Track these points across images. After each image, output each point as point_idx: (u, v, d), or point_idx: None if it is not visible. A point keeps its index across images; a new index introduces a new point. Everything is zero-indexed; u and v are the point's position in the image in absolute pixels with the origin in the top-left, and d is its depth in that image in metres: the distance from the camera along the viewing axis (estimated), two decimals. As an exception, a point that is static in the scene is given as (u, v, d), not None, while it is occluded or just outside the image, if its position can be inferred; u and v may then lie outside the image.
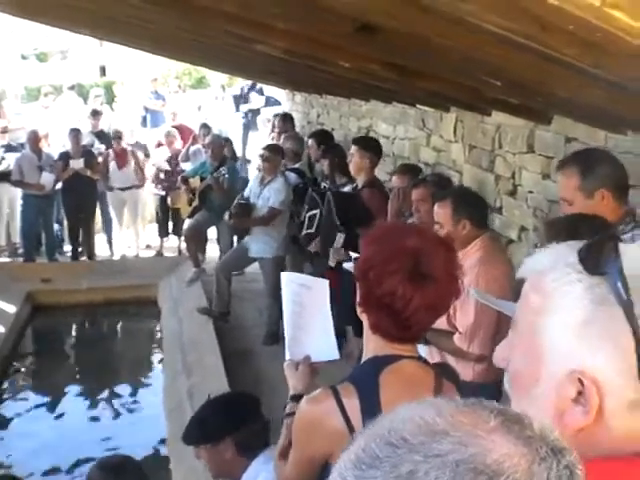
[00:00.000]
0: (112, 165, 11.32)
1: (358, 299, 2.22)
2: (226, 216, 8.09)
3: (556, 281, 1.16)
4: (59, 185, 11.11)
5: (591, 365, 1.11)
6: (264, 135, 12.02)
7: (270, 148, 8.35)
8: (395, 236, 2.22)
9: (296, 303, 2.67)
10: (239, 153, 12.05)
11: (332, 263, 6.37)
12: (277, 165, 8.15)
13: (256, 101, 15.29)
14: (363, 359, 2.28)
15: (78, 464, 6.21)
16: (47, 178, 10.87)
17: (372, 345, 2.25)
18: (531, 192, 5.32)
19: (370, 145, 7.03)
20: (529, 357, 1.20)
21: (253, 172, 11.10)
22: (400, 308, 2.12)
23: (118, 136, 11.54)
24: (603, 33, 2.23)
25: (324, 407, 2.16)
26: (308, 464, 2.25)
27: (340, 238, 6.32)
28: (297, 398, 2.50)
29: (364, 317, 2.23)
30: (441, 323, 4.30)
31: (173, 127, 12.38)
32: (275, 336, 7.96)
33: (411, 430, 0.88)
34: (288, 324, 2.71)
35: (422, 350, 4.52)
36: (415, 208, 5.32)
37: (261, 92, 15.67)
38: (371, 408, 2.09)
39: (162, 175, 11.54)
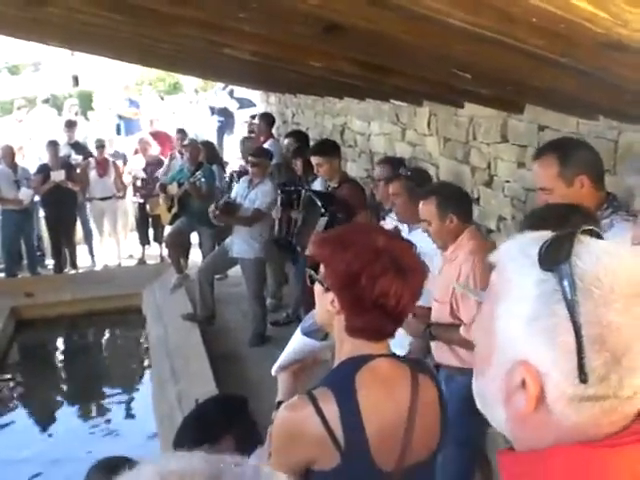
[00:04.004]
0: (92, 174, 11.30)
1: (338, 305, 2.20)
2: (212, 207, 8.04)
3: (513, 271, 1.19)
4: (37, 198, 11.07)
5: (534, 357, 1.14)
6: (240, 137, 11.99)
7: (257, 152, 8.35)
8: (363, 237, 2.21)
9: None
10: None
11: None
12: (265, 168, 8.15)
13: (228, 103, 15.32)
14: (337, 362, 2.27)
15: (68, 475, 6.19)
16: (25, 193, 10.82)
17: (347, 347, 2.24)
18: (507, 181, 5.36)
19: (329, 148, 7.20)
20: (486, 340, 1.23)
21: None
22: (393, 306, 2.14)
23: (101, 145, 11.52)
24: (567, 24, 2.26)
25: (303, 414, 2.14)
26: (290, 471, 2.25)
27: (322, 222, 6.35)
28: (280, 405, 2.52)
29: (341, 320, 2.22)
30: (443, 317, 4.34)
31: (150, 134, 12.35)
32: (262, 336, 7.98)
33: None
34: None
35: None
36: (391, 202, 5.36)
37: (231, 94, 15.68)
38: (349, 411, 2.11)
39: (139, 183, 11.53)
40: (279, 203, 7.25)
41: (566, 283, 1.11)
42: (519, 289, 1.17)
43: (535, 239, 1.20)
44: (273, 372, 2.63)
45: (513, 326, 1.17)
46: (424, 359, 4.55)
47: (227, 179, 10.13)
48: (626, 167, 3.95)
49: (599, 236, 1.22)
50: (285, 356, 2.56)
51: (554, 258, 1.14)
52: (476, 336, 1.29)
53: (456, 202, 4.46)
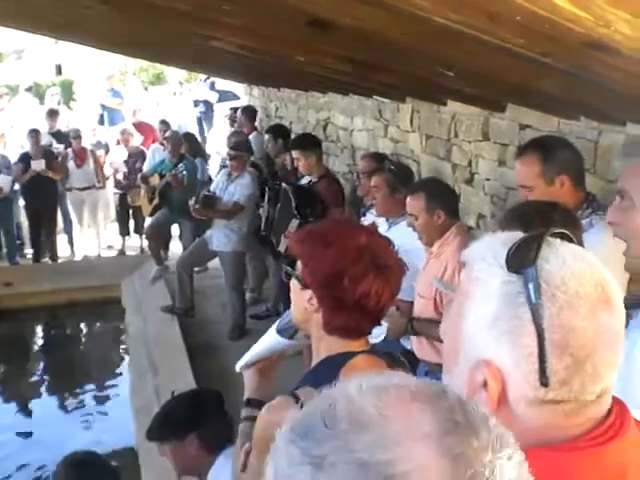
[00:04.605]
0: (71, 164, 11.26)
1: (317, 303, 2.16)
2: (192, 201, 8.02)
3: (481, 271, 1.20)
4: (17, 187, 11.02)
5: (497, 357, 1.15)
6: (223, 130, 11.96)
7: (236, 145, 8.33)
8: (345, 235, 2.17)
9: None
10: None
11: (282, 249, 6.46)
12: (244, 161, 8.13)
13: (208, 95, 15.29)
14: (315, 360, 2.24)
15: (46, 465, 6.17)
16: (4, 181, 10.76)
17: (325, 345, 2.20)
18: (488, 179, 5.38)
19: (308, 143, 7.22)
20: (453, 338, 1.24)
21: (214, 168, 11.08)
22: (373, 305, 2.13)
23: (77, 135, 11.47)
24: (550, 24, 2.27)
25: (287, 416, 2.09)
26: None
27: (294, 223, 6.38)
28: (249, 402, 2.50)
29: (318, 318, 2.18)
30: (427, 312, 4.34)
31: (133, 124, 12.31)
32: (241, 329, 7.97)
33: (344, 413, 0.86)
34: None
35: (408, 341, 4.60)
36: (371, 196, 5.37)
37: (212, 86, 15.64)
38: None
39: (120, 174, 11.48)
40: (266, 199, 7.25)
41: (531, 286, 1.12)
42: (485, 289, 1.18)
43: (505, 240, 1.20)
44: (237, 368, 2.58)
45: (478, 325, 1.17)
46: (400, 343, 4.59)
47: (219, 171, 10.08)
48: (619, 151, 3.97)
49: (570, 239, 1.23)
50: (254, 354, 2.53)
51: (521, 261, 1.14)
52: (444, 334, 1.29)
53: (444, 198, 4.48)
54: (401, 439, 0.82)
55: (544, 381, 1.11)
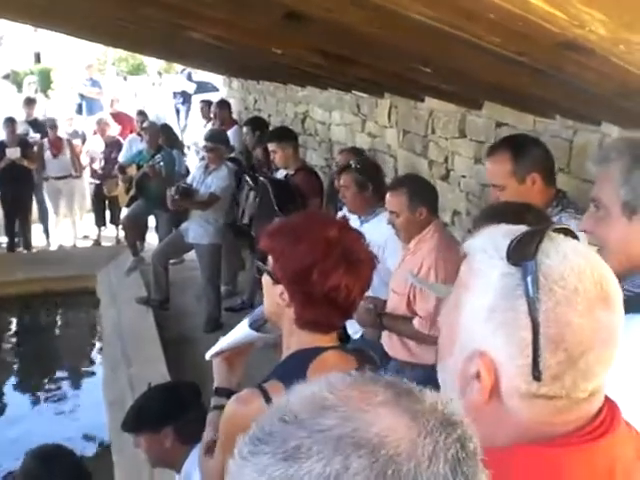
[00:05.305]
0: (47, 154, 11.18)
1: (288, 298, 2.15)
2: (169, 192, 7.96)
3: (481, 262, 1.20)
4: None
5: (492, 348, 1.15)
6: (199, 122, 11.90)
7: (213, 138, 8.30)
8: (315, 230, 2.16)
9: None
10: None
11: None
12: (221, 154, 8.10)
13: (186, 86, 15.25)
14: (284, 354, 2.23)
15: (16, 455, 6.13)
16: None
17: (296, 339, 2.20)
18: (464, 176, 5.40)
19: (284, 135, 7.26)
20: (449, 329, 1.25)
21: (191, 159, 11.05)
22: (343, 299, 2.12)
23: (53, 125, 11.39)
24: (524, 22, 2.27)
25: (253, 408, 2.05)
26: None
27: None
28: (218, 391, 2.50)
29: (290, 313, 2.17)
30: (400, 309, 4.33)
31: (111, 114, 12.24)
32: (216, 321, 7.95)
33: (302, 406, 0.89)
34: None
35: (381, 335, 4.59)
36: (341, 194, 5.35)
37: (189, 77, 15.59)
38: None
39: (96, 164, 11.42)
40: (245, 192, 7.24)
41: (529, 279, 1.12)
42: (484, 280, 1.18)
43: (507, 232, 1.20)
44: (207, 356, 2.59)
45: (474, 316, 1.18)
46: (378, 341, 4.58)
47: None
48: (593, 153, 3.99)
49: (574, 236, 1.23)
50: (225, 344, 2.54)
51: (521, 253, 1.14)
52: (441, 325, 1.29)
53: (426, 195, 4.44)
54: (364, 408, 0.87)
55: (537, 375, 1.11)
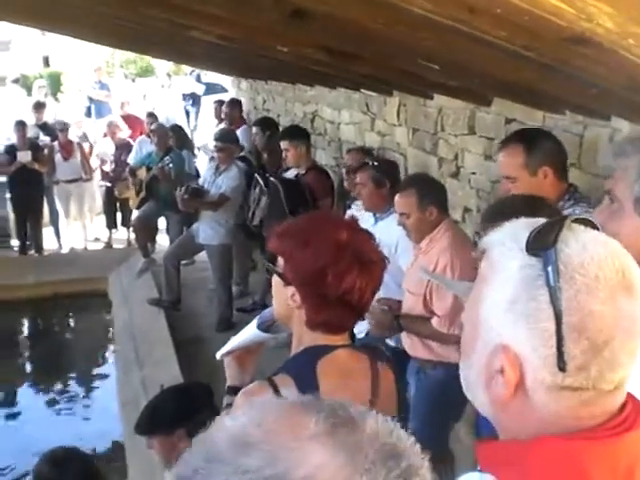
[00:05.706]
0: (57, 157, 11.22)
1: (299, 299, 2.14)
2: (179, 192, 7.96)
3: (501, 254, 1.19)
4: (3, 179, 10.96)
5: (514, 342, 1.14)
6: (209, 123, 11.91)
7: (223, 137, 8.30)
8: (326, 231, 2.15)
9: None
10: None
11: None
12: (231, 154, 8.10)
13: (195, 88, 15.25)
14: (294, 351, 2.23)
15: (31, 459, 6.15)
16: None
17: (306, 339, 2.19)
18: (474, 173, 5.38)
19: (297, 134, 7.24)
20: (472, 324, 1.24)
21: (201, 160, 11.05)
22: (357, 300, 2.12)
23: (64, 128, 11.42)
24: (531, 16, 2.26)
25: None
26: None
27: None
28: (231, 390, 2.48)
29: (301, 314, 2.17)
30: (416, 309, 4.31)
31: (121, 117, 12.26)
32: (228, 321, 7.95)
33: (226, 441, 0.83)
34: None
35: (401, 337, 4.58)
36: (357, 192, 5.34)
37: (198, 79, 15.59)
38: None
39: (106, 167, 11.44)
40: (257, 192, 7.23)
41: (550, 269, 1.11)
42: (504, 272, 1.17)
43: (527, 225, 1.20)
44: (218, 356, 2.58)
45: (495, 310, 1.17)
46: (384, 339, 4.56)
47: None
48: (605, 148, 3.98)
49: (595, 227, 1.22)
50: (235, 344, 2.53)
51: (540, 243, 1.14)
52: (464, 321, 1.28)
53: (436, 194, 4.41)
54: (292, 446, 0.81)
55: (562, 365, 1.10)
